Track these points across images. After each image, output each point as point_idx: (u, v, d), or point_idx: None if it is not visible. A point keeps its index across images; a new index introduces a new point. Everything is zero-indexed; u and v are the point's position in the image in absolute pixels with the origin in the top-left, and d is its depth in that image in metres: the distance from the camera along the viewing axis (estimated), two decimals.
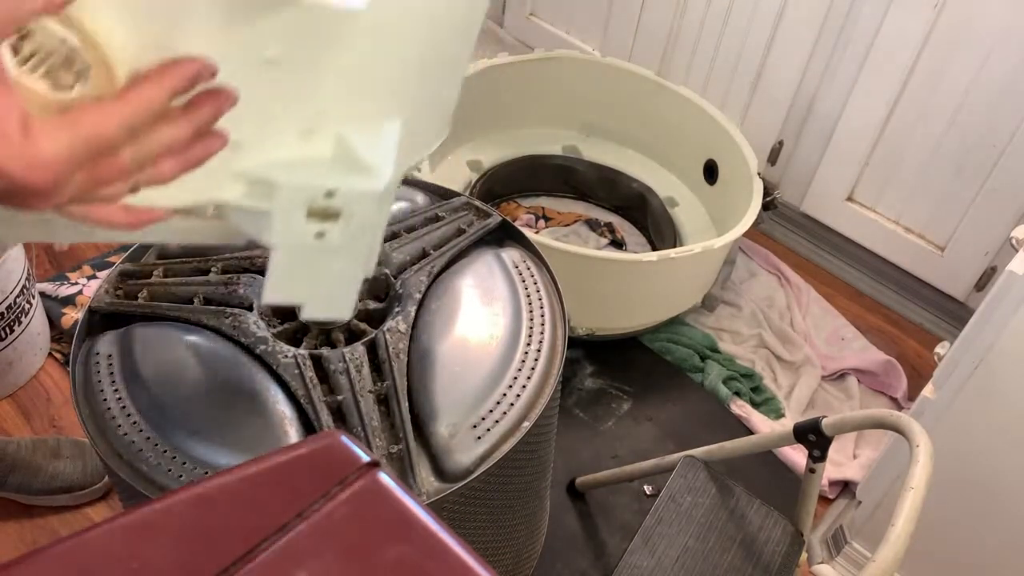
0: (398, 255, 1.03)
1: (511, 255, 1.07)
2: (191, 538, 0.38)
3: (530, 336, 0.98)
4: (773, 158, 1.85)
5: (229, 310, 0.95)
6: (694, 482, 1.10)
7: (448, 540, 0.39)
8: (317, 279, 0.61)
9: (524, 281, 1.04)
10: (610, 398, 1.61)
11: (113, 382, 0.90)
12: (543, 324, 0.99)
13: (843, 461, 1.53)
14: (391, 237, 1.06)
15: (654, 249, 1.86)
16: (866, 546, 1.34)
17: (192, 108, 0.46)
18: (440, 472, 0.86)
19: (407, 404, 0.89)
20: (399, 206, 1.12)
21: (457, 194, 1.14)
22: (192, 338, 0.93)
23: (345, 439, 0.44)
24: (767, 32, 1.72)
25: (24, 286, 1.43)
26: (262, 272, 1.01)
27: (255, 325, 0.94)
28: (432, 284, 1.01)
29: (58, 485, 1.33)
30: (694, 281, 1.67)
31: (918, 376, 1.69)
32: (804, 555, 1.13)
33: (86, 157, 0.43)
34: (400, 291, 0.99)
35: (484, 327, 0.97)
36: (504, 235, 1.12)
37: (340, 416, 0.88)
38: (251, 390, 0.89)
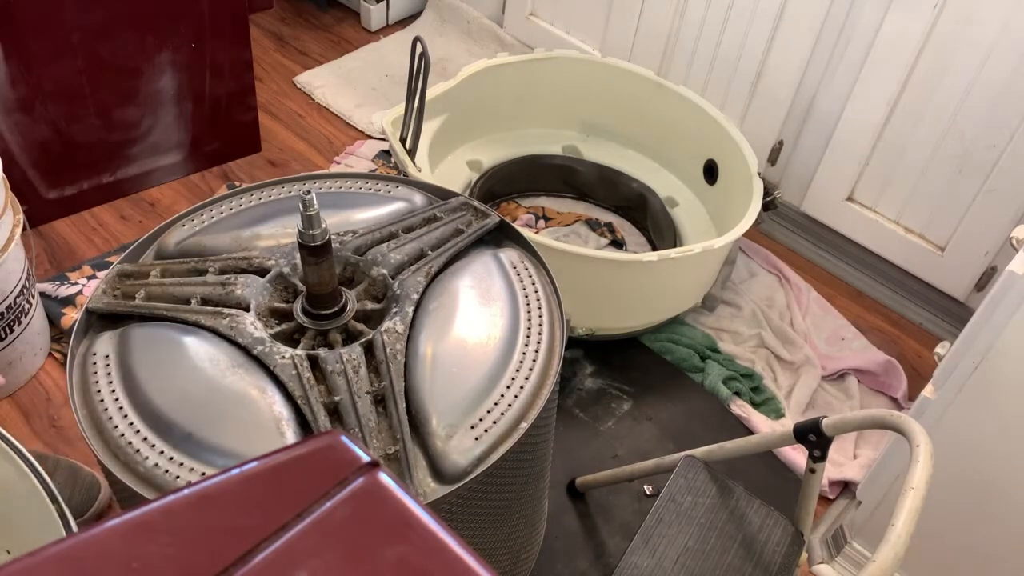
0: (396, 256, 1.03)
1: (509, 256, 1.06)
2: (191, 538, 0.38)
3: (528, 337, 0.97)
4: (773, 158, 1.85)
5: (226, 311, 0.95)
6: (694, 482, 1.10)
7: (449, 540, 0.39)
8: None
9: (522, 282, 1.03)
10: (610, 398, 1.61)
11: (110, 383, 0.90)
12: (541, 325, 0.99)
13: (843, 461, 1.53)
14: (389, 238, 1.05)
15: (654, 249, 1.86)
16: (866, 546, 1.34)
17: None
18: (437, 473, 0.86)
19: (404, 405, 0.89)
20: (397, 206, 1.12)
21: (455, 194, 1.14)
22: (189, 339, 0.93)
23: (345, 439, 0.44)
24: (767, 32, 1.72)
25: (24, 286, 1.43)
26: (260, 273, 1.01)
27: (252, 326, 0.94)
28: (430, 285, 1.01)
29: None
30: (694, 281, 1.67)
31: (918, 376, 1.69)
32: (804, 555, 1.13)
33: None
34: (398, 292, 0.99)
35: (482, 328, 0.97)
36: (502, 235, 1.12)
37: (337, 417, 0.88)
38: (248, 391, 0.88)
